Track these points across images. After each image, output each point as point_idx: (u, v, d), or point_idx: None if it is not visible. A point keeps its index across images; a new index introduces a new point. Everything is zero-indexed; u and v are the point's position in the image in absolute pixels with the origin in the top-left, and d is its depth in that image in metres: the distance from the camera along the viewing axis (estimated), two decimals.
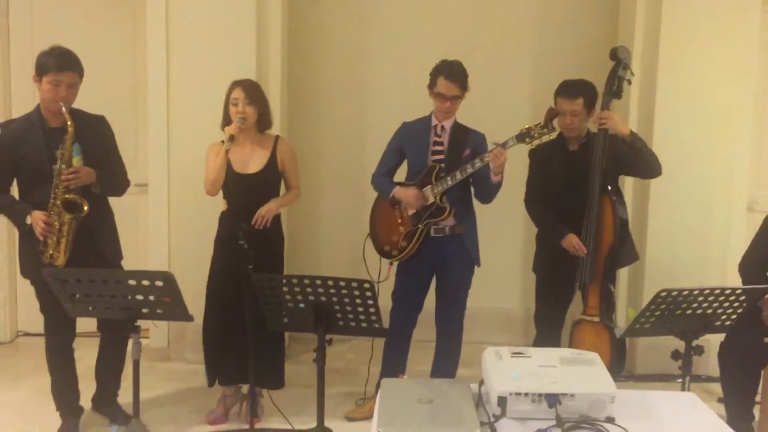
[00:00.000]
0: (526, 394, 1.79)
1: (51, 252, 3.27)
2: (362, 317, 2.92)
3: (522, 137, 3.37)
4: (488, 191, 3.61)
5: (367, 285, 2.83)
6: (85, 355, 3.73)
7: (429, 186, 3.62)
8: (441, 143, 3.67)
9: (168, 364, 4.64)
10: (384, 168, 3.84)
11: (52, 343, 3.52)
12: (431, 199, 3.61)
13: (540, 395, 1.79)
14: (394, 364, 3.82)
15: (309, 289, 2.88)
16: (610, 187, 3.53)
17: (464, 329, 4.96)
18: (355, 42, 5.09)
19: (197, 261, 4.42)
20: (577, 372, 1.87)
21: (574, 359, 1.93)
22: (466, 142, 3.64)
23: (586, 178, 3.53)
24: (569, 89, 3.60)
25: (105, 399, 3.75)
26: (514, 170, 4.85)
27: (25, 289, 4.91)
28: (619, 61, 3.55)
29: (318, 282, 2.85)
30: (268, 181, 3.73)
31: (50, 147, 3.27)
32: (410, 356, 3.93)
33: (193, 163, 4.46)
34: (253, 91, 3.64)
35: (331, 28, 5.08)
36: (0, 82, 4.78)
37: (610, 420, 1.79)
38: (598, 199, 3.48)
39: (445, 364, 3.83)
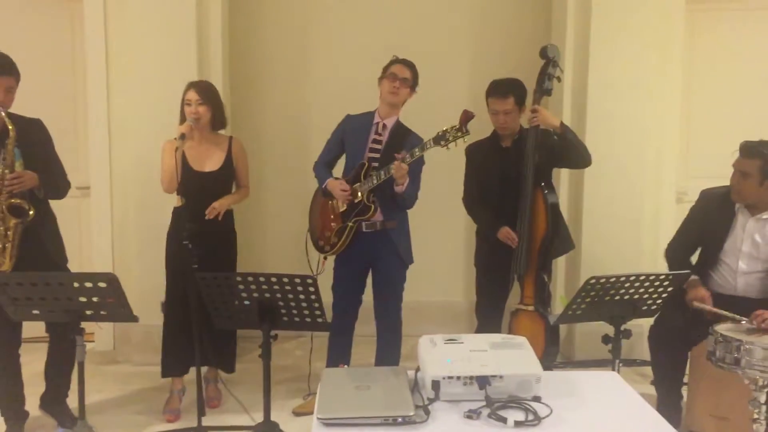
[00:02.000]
0: (458, 378, 1.89)
1: None
2: (306, 312, 2.98)
3: (438, 140, 3.42)
4: (398, 198, 3.66)
5: (309, 280, 2.89)
6: (32, 360, 3.71)
7: (358, 183, 3.68)
8: (380, 141, 3.74)
9: (114, 366, 4.63)
10: (325, 157, 3.91)
11: None
12: (358, 197, 3.67)
13: (471, 378, 1.89)
14: (338, 358, 3.90)
15: (253, 286, 2.93)
16: (543, 183, 3.67)
17: (411, 323, 5.10)
18: (297, 40, 5.15)
19: (142, 262, 4.45)
20: (506, 355, 1.98)
21: (504, 343, 2.04)
22: (403, 143, 3.69)
23: (519, 173, 3.66)
24: (499, 89, 3.72)
25: (54, 399, 3.73)
26: (457, 168, 5.02)
27: None
28: (548, 59, 3.69)
29: (261, 279, 2.91)
30: (224, 180, 3.84)
31: None
32: (357, 351, 4.02)
33: (135, 164, 4.48)
34: (206, 92, 3.74)
35: (272, 26, 5.13)
36: None
37: (537, 399, 1.90)
38: (531, 192, 3.62)
39: (387, 354, 3.91)
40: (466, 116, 3.40)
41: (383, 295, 3.86)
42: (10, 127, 3.23)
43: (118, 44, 4.58)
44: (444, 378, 1.89)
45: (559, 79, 3.73)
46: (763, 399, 2.91)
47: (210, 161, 3.79)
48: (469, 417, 1.82)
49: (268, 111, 5.18)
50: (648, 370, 4.11)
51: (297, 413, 3.87)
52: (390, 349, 3.93)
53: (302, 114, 5.20)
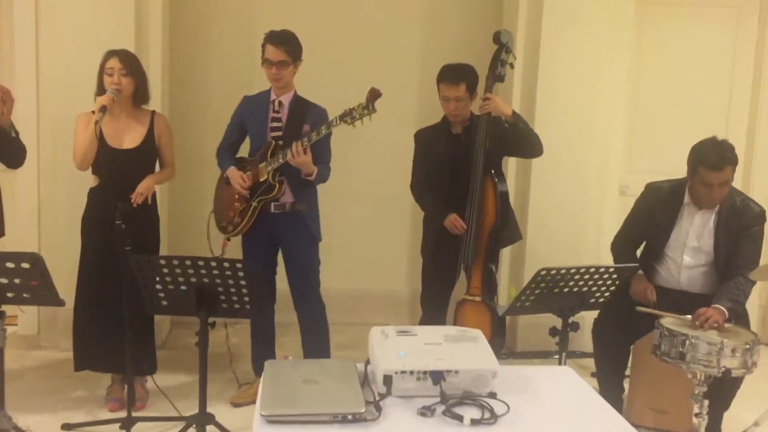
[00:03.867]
0: (412, 372, 1.80)
1: None
2: (247, 299, 2.85)
3: (344, 117, 3.36)
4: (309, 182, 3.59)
5: (247, 265, 2.77)
6: None
7: (264, 163, 3.56)
8: (279, 119, 3.63)
9: (38, 352, 4.37)
10: (227, 142, 3.79)
11: None
12: (264, 176, 3.56)
13: (425, 372, 1.80)
14: (261, 345, 3.81)
15: (191, 271, 2.77)
16: (493, 171, 3.60)
17: (352, 311, 5.03)
18: (242, 11, 4.93)
19: (69, 241, 4.19)
20: (461, 349, 1.89)
21: (459, 336, 1.96)
22: (305, 116, 3.60)
23: (469, 160, 3.59)
24: (451, 75, 3.62)
25: None
26: (402, 154, 4.93)
27: None
28: (501, 45, 3.62)
29: (200, 263, 2.76)
30: (145, 158, 3.59)
31: None
32: (283, 340, 3.93)
33: (64, 137, 4.19)
34: (130, 62, 3.49)
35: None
36: None
37: (492, 395, 1.82)
38: (480, 180, 3.55)
39: (314, 343, 3.79)
40: (373, 94, 3.34)
41: (299, 279, 3.72)
42: None
43: (49, 7, 4.26)
44: (397, 372, 1.78)
45: (512, 66, 3.67)
46: (705, 394, 2.93)
47: (129, 137, 3.54)
48: (423, 414, 1.72)
49: (209, 86, 4.93)
50: (588, 362, 4.12)
51: (235, 404, 3.72)
52: (318, 338, 3.79)
53: (245, 91, 4.98)
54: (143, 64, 3.66)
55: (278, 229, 3.63)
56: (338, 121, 3.37)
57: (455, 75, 3.62)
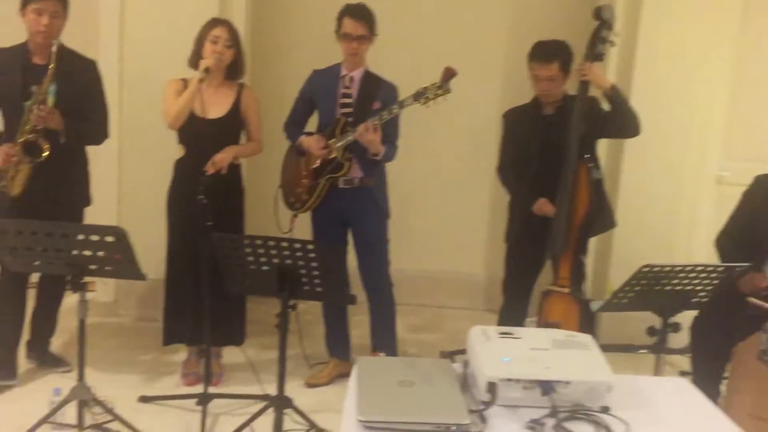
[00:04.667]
0: (518, 381, 1.65)
1: (6, 182, 3.16)
2: (329, 282, 2.75)
3: (417, 97, 3.26)
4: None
5: (336, 249, 2.67)
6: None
7: (333, 140, 3.47)
8: (349, 95, 3.52)
9: (115, 319, 4.41)
10: (294, 117, 3.70)
11: (4, 280, 3.35)
12: (333, 153, 3.46)
13: (533, 382, 1.65)
14: (335, 325, 3.76)
15: (274, 251, 2.69)
16: (587, 154, 3.39)
17: (425, 293, 4.91)
18: None
19: (149, 211, 4.17)
20: (571, 357, 1.73)
21: (568, 342, 1.80)
22: (376, 93, 3.49)
23: (561, 143, 3.39)
24: (543, 53, 3.42)
25: (38, 343, 3.65)
26: (483, 135, 4.75)
27: None
28: (603, 21, 3.39)
29: (284, 244, 2.67)
30: (229, 129, 3.53)
31: (26, 82, 3.17)
32: (356, 319, 3.86)
33: (147, 109, 4.17)
34: (235, 35, 3.45)
35: None
36: None
37: (606, 409, 1.67)
38: (573, 165, 3.35)
39: (381, 322, 3.71)
40: (448, 73, 3.22)
41: (368, 256, 3.64)
42: (51, 65, 3.12)
43: None
44: (502, 380, 1.64)
45: (612, 44, 3.43)
46: None
47: (215, 108, 3.47)
48: (531, 429, 1.58)
49: (292, 60, 4.81)
50: (675, 359, 3.89)
51: (310, 384, 3.66)
52: (383, 319, 3.71)
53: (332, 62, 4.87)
54: None
55: (347, 204, 3.55)
56: (411, 101, 3.27)
57: (548, 52, 3.42)
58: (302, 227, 3.68)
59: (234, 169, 3.54)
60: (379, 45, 3.61)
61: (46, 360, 3.64)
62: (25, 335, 3.57)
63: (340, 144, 3.43)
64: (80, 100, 3.32)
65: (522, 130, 3.57)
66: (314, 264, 2.69)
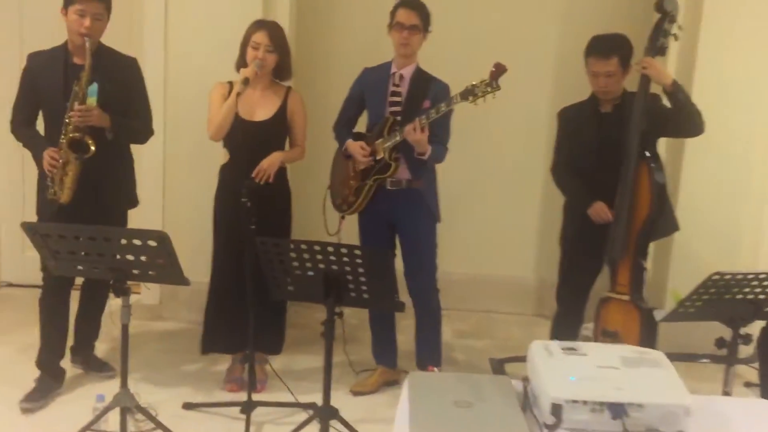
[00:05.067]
0: (585, 402, 1.51)
1: (55, 189, 3.13)
2: (377, 289, 2.64)
3: (465, 95, 3.13)
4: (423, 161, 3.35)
5: (385, 255, 2.56)
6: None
7: (381, 140, 3.35)
8: (399, 93, 3.41)
9: (160, 323, 4.37)
10: (344, 117, 3.60)
11: (49, 286, 3.32)
12: (381, 154, 3.35)
13: (602, 404, 1.51)
14: (382, 331, 3.65)
15: (319, 257, 2.59)
16: (648, 153, 3.22)
17: (472, 297, 4.76)
18: None
19: (194, 214, 4.13)
20: (643, 376, 1.58)
21: (639, 360, 1.65)
22: (426, 92, 3.37)
23: (620, 142, 3.22)
24: (602, 48, 3.25)
25: (82, 346, 3.63)
26: (533, 133, 4.58)
27: (8, 236, 4.65)
28: (665, 13, 3.20)
29: (330, 249, 2.57)
30: (275, 132, 3.45)
31: (68, 83, 3.13)
32: (404, 324, 3.74)
33: (191, 110, 4.12)
34: (277, 37, 3.35)
35: None
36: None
37: None
38: (634, 165, 3.17)
39: (426, 328, 3.58)
40: (498, 70, 3.08)
41: (414, 261, 3.51)
42: (87, 62, 3.06)
43: None
44: (568, 401, 1.51)
45: (676, 38, 3.24)
46: None
47: (261, 110, 3.40)
48: None
49: (335, 62, 4.71)
50: (740, 369, 3.67)
51: (356, 393, 3.55)
52: (428, 326, 3.58)
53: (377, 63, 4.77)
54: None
55: (394, 206, 3.44)
56: (458, 99, 3.15)
57: (606, 47, 3.25)
58: (352, 230, 3.58)
59: (281, 171, 3.46)
60: (427, 42, 3.49)
61: (90, 364, 3.62)
62: (69, 340, 3.53)
63: (387, 144, 3.33)
64: (123, 97, 3.27)
65: (578, 128, 3.40)
66: (361, 270, 2.59)
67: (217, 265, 3.52)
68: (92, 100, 3.09)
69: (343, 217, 3.56)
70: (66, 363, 3.52)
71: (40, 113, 3.31)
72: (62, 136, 3.09)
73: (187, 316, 4.32)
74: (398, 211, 3.45)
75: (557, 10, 4.62)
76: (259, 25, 3.36)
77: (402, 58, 3.41)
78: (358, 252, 2.55)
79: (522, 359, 3.99)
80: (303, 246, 2.59)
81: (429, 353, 3.54)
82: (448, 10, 4.36)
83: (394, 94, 3.41)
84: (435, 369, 3.20)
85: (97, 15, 3.13)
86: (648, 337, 3.14)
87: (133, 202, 3.51)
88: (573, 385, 1.54)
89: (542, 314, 4.84)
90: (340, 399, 3.30)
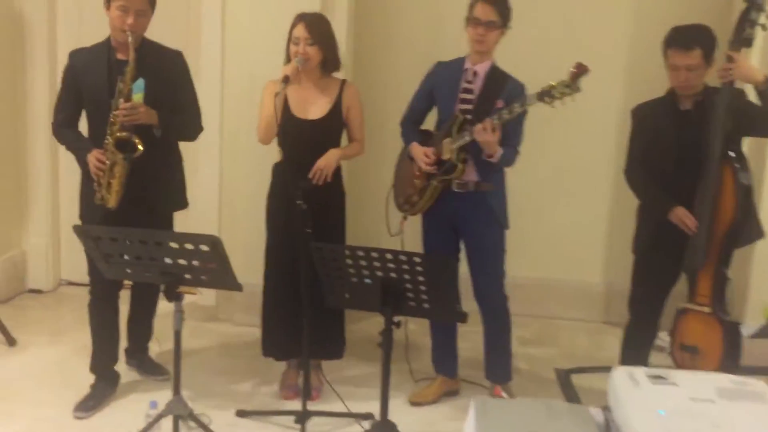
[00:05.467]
0: None
1: (102, 193, 3.01)
2: (438, 298, 2.49)
3: (542, 96, 2.92)
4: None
5: (447, 262, 2.41)
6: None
7: (449, 139, 3.18)
8: (471, 90, 3.22)
9: (215, 324, 4.30)
10: (412, 113, 3.44)
11: (96, 291, 3.26)
12: (447, 155, 3.18)
13: None
14: (442, 338, 3.48)
15: (377, 264, 2.46)
16: (732, 153, 2.97)
17: (537, 302, 4.56)
18: None
19: (249, 216, 4.05)
20: (744, 411, 1.39)
21: (738, 392, 1.46)
22: (500, 91, 3.18)
23: (702, 142, 2.99)
24: (683, 39, 3.01)
25: (136, 348, 3.58)
26: (602, 134, 4.35)
27: (69, 234, 4.66)
28: (752, 2, 2.95)
29: (388, 256, 2.43)
30: (331, 130, 3.31)
31: (113, 79, 3.01)
32: (465, 330, 3.47)
33: (247, 108, 4.03)
34: (317, 29, 3.18)
35: None
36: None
37: None
38: (717, 167, 2.93)
39: (495, 338, 3.40)
40: (579, 70, 2.87)
41: (479, 267, 3.32)
42: (130, 57, 2.94)
43: None
44: None
45: (764, 27, 2.98)
46: None
47: (315, 107, 3.27)
48: None
49: (396, 55, 4.56)
50: None
51: (415, 403, 3.40)
52: (497, 335, 3.40)
53: (433, 58, 4.58)
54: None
55: (460, 210, 3.27)
56: (534, 100, 2.96)
57: (688, 39, 3.01)
58: (415, 231, 3.43)
59: (336, 170, 3.33)
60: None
61: (145, 367, 3.57)
62: (123, 342, 3.48)
63: (455, 144, 3.16)
64: (170, 93, 3.14)
65: (655, 127, 3.17)
66: (421, 278, 2.44)
67: (270, 268, 3.42)
68: (139, 97, 2.98)
69: (405, 218, 3.41)
70: (121, 365, 3.48)
71: (83, 114, 3.20)
72: (107, 137, 2.97)
73: (242, 319, 4.25)
74: (463, 214, 3.28)
75: (629, 2, 4.37)
76: (298, 18, 3.21)
77: (477, 54, 3.24)
78: (418, 259, 2.41)
79: (589, 370, 3.87)
80: (360, 252, 2.47)
81: (498, 365, 3.39)
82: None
83: (466, 91, 3.23)
84: (503, 394, 3.04)
85: (141, 11, 3.00)
86: (731, 354, 2.91)
87: (182, 203, 3.39)
88: (663, 421, 1.36)
89: (610, 321, 4.61)
90: (398, 409, 3.15)
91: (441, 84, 3.33)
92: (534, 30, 4.28)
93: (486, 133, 3.01)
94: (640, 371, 1.54)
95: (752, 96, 3.12)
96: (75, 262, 4.70)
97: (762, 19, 2.97)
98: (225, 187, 4.34)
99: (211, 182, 4.30)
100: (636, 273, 3.32)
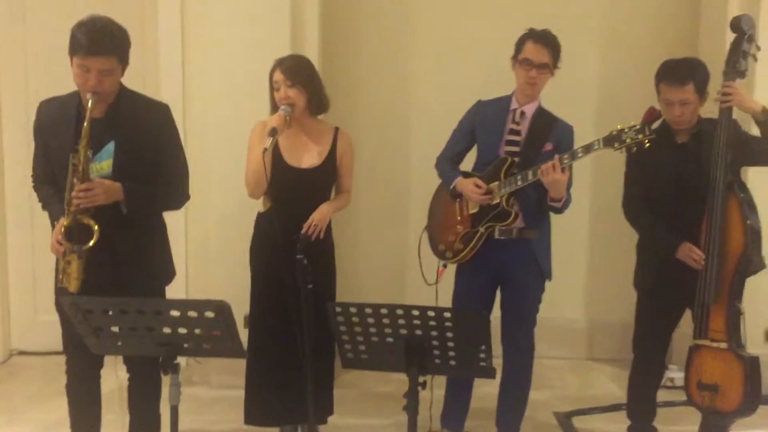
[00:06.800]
0: None
1: (62, 276, 2.61)
2: (467, 355, 2.32)
3: (610, 141, 2.83)
4: (552, 207, 3.08)
5: (480, 318, 2.26)
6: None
7: (497, 182, 3.07)
8: (518, 132, 3.12)
9: (188, 389, 3.95)
10: (451, 152, 3.31)
11: (75, 369, 2.82)
12: (496, 199, 3.06)
13: None
14: (457, 391, 3.29)
15: (402, 321, 2.27)
16: (735, 185, 2.95)
17: None
18: (399, 15, 4.44)
19: (221, 268, 3.86)
20: None
21: None
22: (548, 133, 3.09)
23: (701, 174, 2.96)
24: (675, 73, 2.97)
25: None
26: (581, 166, 4.25)
27: (21, 297, 4.29)
28: (742, 33, 2.98)
29: (414, 312, 2.25)
30: (324, 180, 3.15)
31: (79, 138, 2.55)
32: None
33: (213, 157, 3.85)
34: (295, 71, 3.02)
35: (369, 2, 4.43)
36: None
37: None
38: (721, 200, 2.90)
39: (515, 387, 3.29)
40: (652, 115, 2.81)
41: (513, 315, 3.22)
42: (85, 123, 2.50)
43: (194, 18, 3.96)
44: None
45: (755, 58, 3.00)
46: None
47: (309, 155, 3.09)
48: None
49: (363, 99, 4.44)
50: None
51: None
52: (520, 377, 3.29)
53: (401, 101, 4.48)
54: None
55: (501, 258, 3.12)
56: (601, 144, 2.84)
57: (681, 73, 2.97)
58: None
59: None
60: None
61: None
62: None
63: (506, 189, 3.02)
64: (149, 154, 2.68)
65: (652, 161, 3.11)
66: (450, 334, 2.27)
67: (257, 325, 3.18)
68: (105, 165, 2.60)
69: (445, 266, 3.24)
70: None
71: None
72: (65, 216, 2.55)
73: (217, 380, 3.98)
74: (504, 262, 3.13)
75: (600, 34, 4.38)
76: (275, 64, 3.05)
77: (525, 96, 3.13)
78: (447, 315, 2.24)
79: (588, 411, 3.75)
80: (383, 310, 2.28)
81: (513, 413, 3.29)
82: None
83: (513, 132, 3.12)
84: None
85: (106, 71, 2.53)
86: (753, 390, 2.84)
87: (168, 277, 2.93)
88: None
89: (593, 357, 4.57)
90: None
91: (484, 123, 3.20)
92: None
93: (555, 172, 2.87)
94: None
95: (745, 126, 3.13)
96: (28, 329, 4.35)
97: (753, 50, 3.00)
98: (191, 241, 4.09)
99: (178, 238, 4.01)
100: (640, 311, 3.25)
